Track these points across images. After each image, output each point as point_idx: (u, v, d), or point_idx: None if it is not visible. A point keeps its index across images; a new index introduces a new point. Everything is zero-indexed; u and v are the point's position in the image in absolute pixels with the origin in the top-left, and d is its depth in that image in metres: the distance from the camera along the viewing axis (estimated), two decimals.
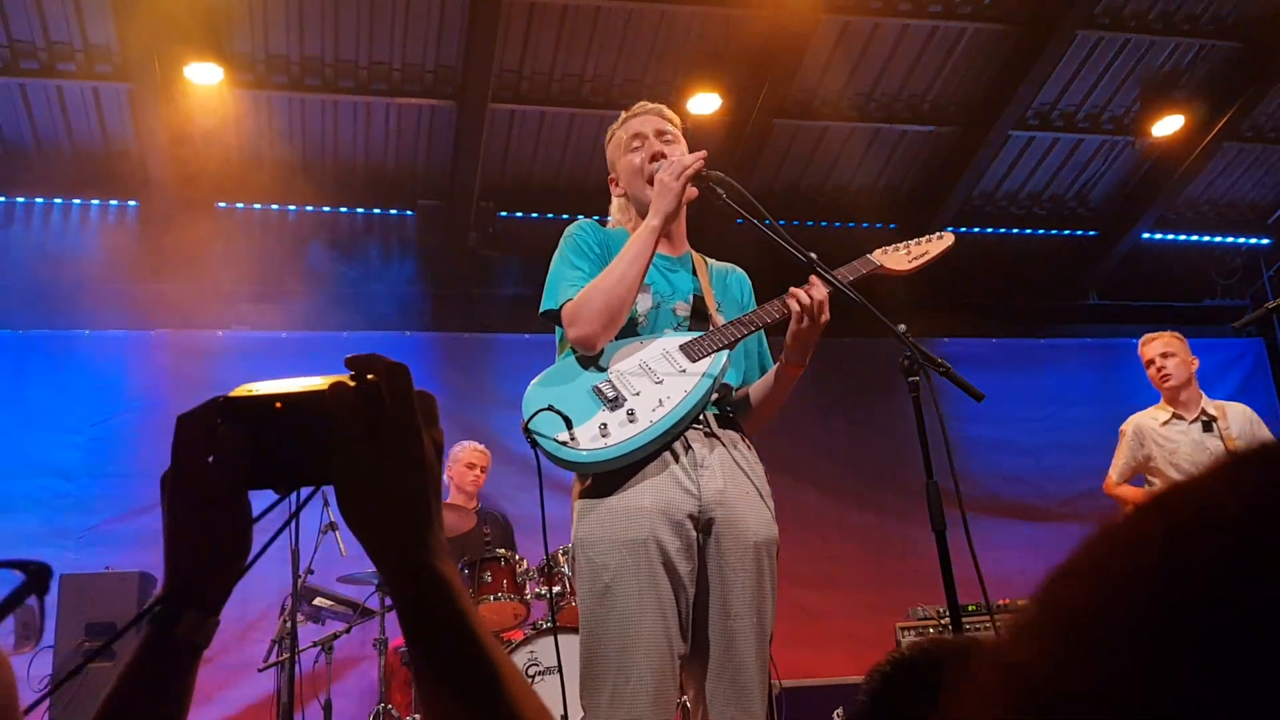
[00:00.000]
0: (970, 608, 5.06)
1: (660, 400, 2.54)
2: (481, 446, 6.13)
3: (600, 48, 6.88)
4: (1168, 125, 7.76)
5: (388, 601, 5.42)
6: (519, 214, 7.74)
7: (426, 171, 7.51)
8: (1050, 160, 8.17)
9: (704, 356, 2.62)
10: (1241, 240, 9.03)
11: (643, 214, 2.77)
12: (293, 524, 5.17)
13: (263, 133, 6.99)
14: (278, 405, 0.88)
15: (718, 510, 2.51)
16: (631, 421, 2.51)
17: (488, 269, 7.62)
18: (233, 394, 0.89)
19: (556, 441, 2.48)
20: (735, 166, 7.34)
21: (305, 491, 0.93)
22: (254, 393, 0.89)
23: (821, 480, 7.83)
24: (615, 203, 2.95)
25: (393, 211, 7.66)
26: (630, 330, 2.69)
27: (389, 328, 7.48)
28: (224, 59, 6.42)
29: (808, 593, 7.44)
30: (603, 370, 2.61)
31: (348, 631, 5.55)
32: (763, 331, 2.85)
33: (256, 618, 6.23)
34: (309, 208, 7.49)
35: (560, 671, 2.86)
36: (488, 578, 5.09)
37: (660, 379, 2.59)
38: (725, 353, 2.64)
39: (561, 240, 2.81)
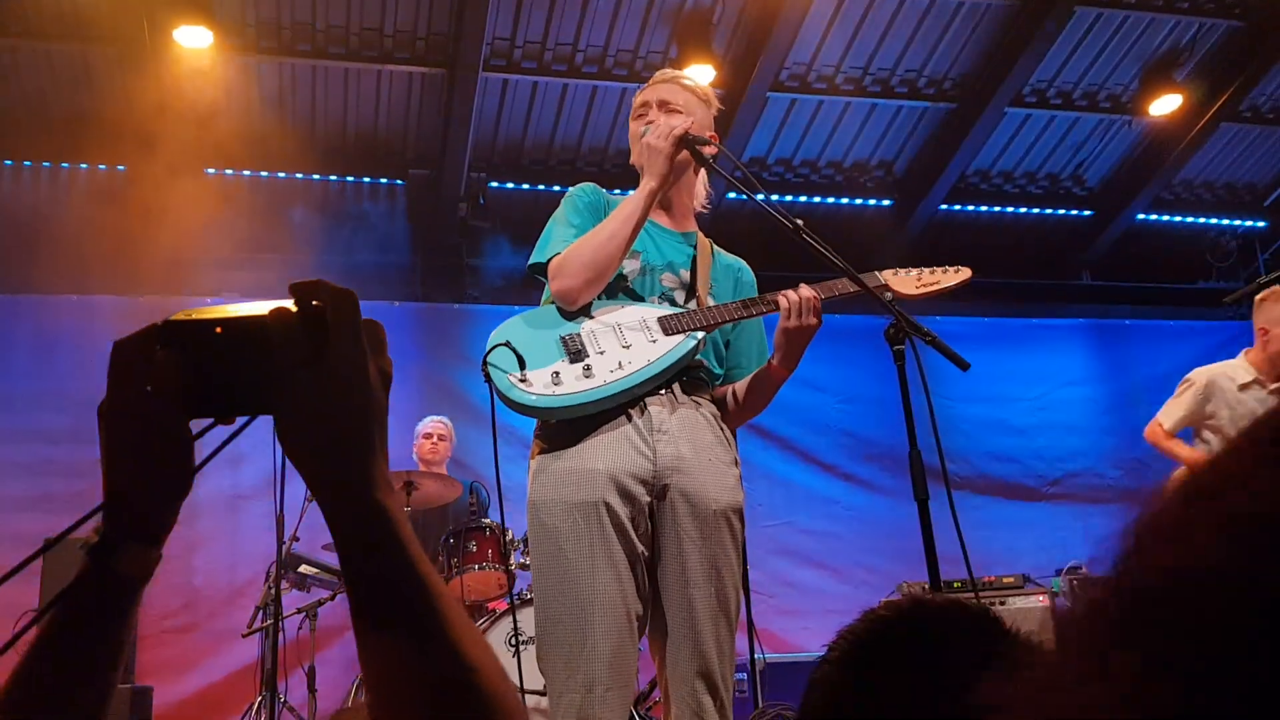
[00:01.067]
0: (955, 584, 5.05)
1: (620, 363, 2.52)
2: (442, 419, 6.12)
3: (594, 17, 6.81)
4: (1165, 104, 7.71)
5: None
6: (510, 184, 7.69)
7: (417, 140, 7.45)
8: (1046, 138, 8.13)
9: (679, 333, 2.59)
10: (1237, 222, 9.00)
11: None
12: (279, 491, 5.15)
13: (252, 98, 6.92)
14: (218, 330, 0.85)
15: (673, 476, 2.48)
16: (586, 377, 2.49)
17: (478, 240, 7.58)
18: (172, 318, 0.85)
19: (509, 379, 2.48)
20: (730, 139, 7.30)
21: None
22: (194, 317, 0.85)
23: (811, 456, 7.82)
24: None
25: (382, 180, 7.61)
26: (616, 292, 2.66)
27: (377, 297, 7.43)
28: (213, 23, 6.35)
29: (795, 568, 7.46)
30: (577, 323, 2.60)
31: (333, 599, 5.55)
32: (763, 328, 2.81)
33: (242, 584, 6.23)
34: (298, 175, 7.43)
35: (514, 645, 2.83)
36: (473, 547, 5.09)
37: (628, 344, 2.56)
38: (700, 333, 2.61)
39: (563, 200, 2.80)
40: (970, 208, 8.52)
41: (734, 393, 2.77)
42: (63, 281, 6.99)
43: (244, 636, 5.51)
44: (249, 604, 5.66)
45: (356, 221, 7.37)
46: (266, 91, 6.92)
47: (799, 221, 2.60)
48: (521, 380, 2.46)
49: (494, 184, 7.66)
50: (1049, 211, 8.71)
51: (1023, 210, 8.65)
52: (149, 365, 0.85)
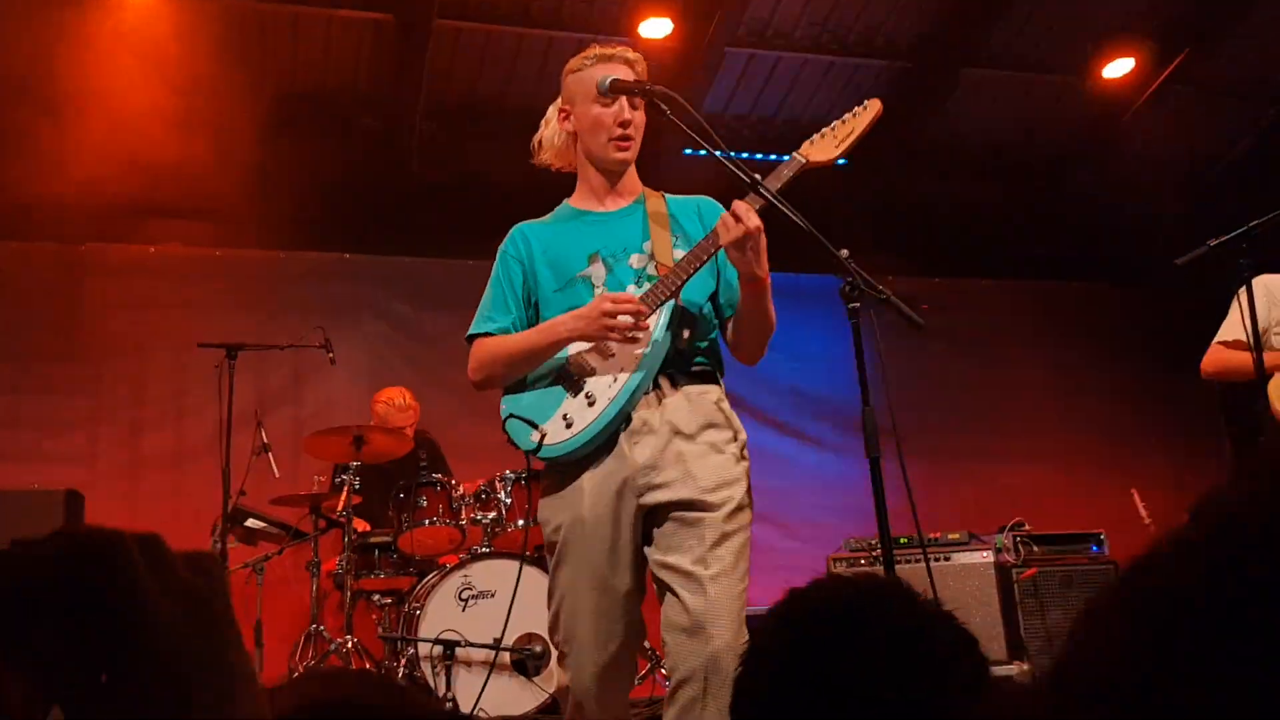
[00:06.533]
0: (902, 540, 5.12)
1: (615, 377, 2.56)
2: (403, 397, 6.02)
3: None
4: (1116, 69, 7.75)
5: (321, 524, 5.37)
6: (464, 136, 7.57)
7: (368, 90, 7.30)
8: (999, 101, 8.14)
9: (650, 313, 2.56)
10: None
11: (594, 163, 2.74)
12: (225, 445, 5.10)
13: (199, 45, 6.73)
14: None
15: (653, 475, 2.51)
16: (590, 405, 2.55)
17: (430, 193, 7.47)
18: None
19: (531, 441, 2.59)
20: (686, 94, 7.19)
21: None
22: None
23: (761, 414, 7.85)
24: (558, 133, 2.81)
25: (333, 131, 7.45)
26: (589, 299, 2.63)
27: (328, 249, 7.34)
28: None
29: None
30: (564, 354, 2.64)
31: (280, 553, 5.51)
32: None
33: (185, 537, 6.14)
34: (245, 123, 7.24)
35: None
36: (423, 502, 5.07)
37: (613, 351, 2.58)
38: (670, 305, 2.57)
39: (497, 258, 2.80)
40: (924, 167, 8.52)
41: (734, 324, 2.73)
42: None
43: None
44: None
45: (306, 172, 7.22)
46: (216, 36, 6.73)
47: (757, 175, 2.58)
48: (542, 436, 2.57)
49: (447, 136, 7.55)
50: (1001, 172, 8.74)
51: (976, 171, 8.68)
52: None
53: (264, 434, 5.65)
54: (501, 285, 2.75)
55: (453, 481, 5.22)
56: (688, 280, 2.58)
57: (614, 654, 2.52)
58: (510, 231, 2.82)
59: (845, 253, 2.55)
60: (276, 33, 6.87)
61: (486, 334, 2.72)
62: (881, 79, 7.81)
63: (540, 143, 2.86)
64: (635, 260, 2.68)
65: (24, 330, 6.68)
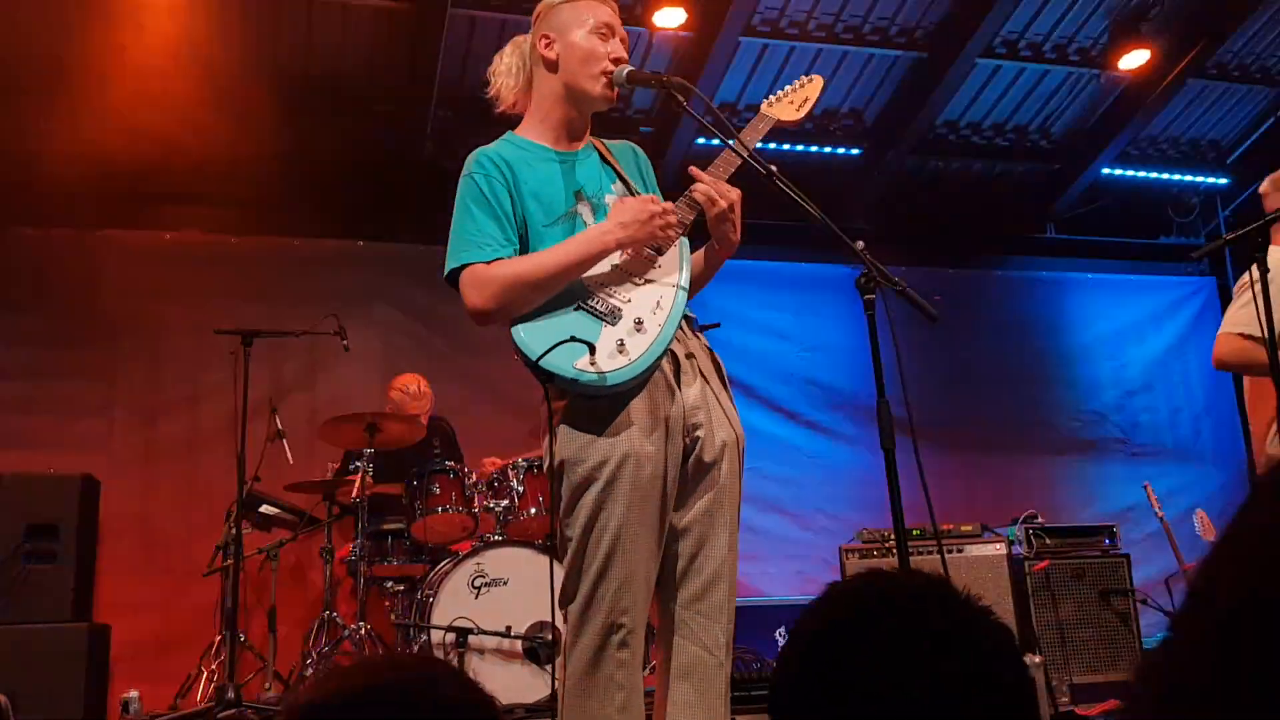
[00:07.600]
0: (915, 532, 5.12)
1: (657, 302, 2.46)
2: (417, 384, 6.05)
3: None
4: (1134, 59, 7.71)
5: (334, 510, 5.40)
6: (478, 125, 7.57)
7: (383, 77, 7.30)
8: (1015, 91, 8.11)
9: (686, 226, 2.55)
10: (1200, 179, 9.06)
11: (573, 97, 2.66)
12: (241, 431, 5.12)
13: (215, 31, 6.74)
14: None
15: (698, 414, 2.47)
16: (640, 331, 2.41)
17: (444, 181, 7.46)
18: None
19: (575, 368, 2.35)
20: (700, 84, 7.22)
21: None
22: None
23: (774, 404, 7.86)
24: (524, 66, 2.74)
25: (348, 118, 7.45)
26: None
27: (343, 236, 7.35)
28: None
29: (755, 514, 7.51)
30: (580, 285, 2.48)
31: (294, 539, 5.54)
32: None
33: (201, 524, 6.17)
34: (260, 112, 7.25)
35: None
36: (435, 489, 5.09)
37: (642, 279, 2.50)
38: (684, 238, 2.56)
39: (460, 184, 2.60)
40: (938, 158, 8.50)
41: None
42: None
43: (204, 576, 5.49)
44: (208, 544, 5.63)
45: (321, 159, 7.23)
46: (230, 21, 6.75)
47: (773, 167, 2.59)
48: (592, 364, 2.34)
49: (461, 123, 7.55)
50: (1015, 164, 8.72)
51: (989, 162, 8.65)
52: None
53: (278, 420, 5.69)
54: (493, 210, 2.52)
55: (465, 469, 5.24)
56: (693, 218, 2.58)
57: (652, 595, 2.40)
58: (479, 155, 2.60)
59: (860, 244, 2.56)
60: (293, 19, 6.87)
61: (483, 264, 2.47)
62: (896, 68, 7.78)
63: (497, 74, 2.76)
64: (610, 200, 2.63)
65: (41, 316, 6.71)
